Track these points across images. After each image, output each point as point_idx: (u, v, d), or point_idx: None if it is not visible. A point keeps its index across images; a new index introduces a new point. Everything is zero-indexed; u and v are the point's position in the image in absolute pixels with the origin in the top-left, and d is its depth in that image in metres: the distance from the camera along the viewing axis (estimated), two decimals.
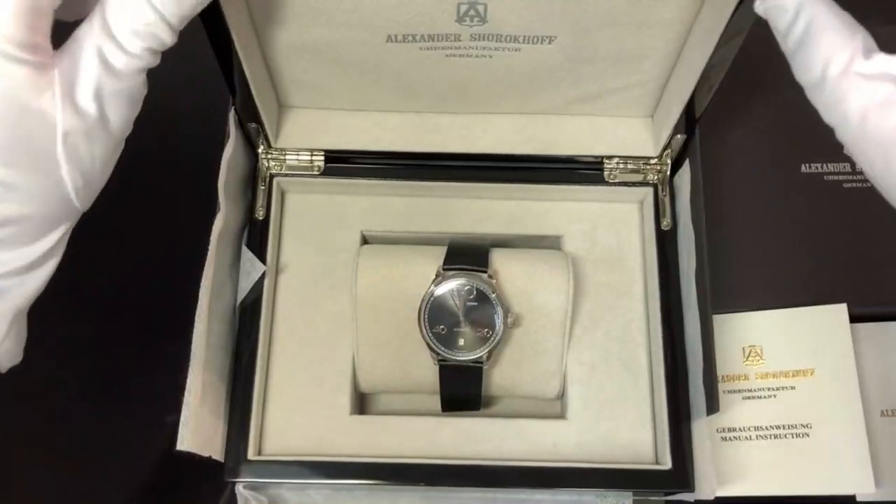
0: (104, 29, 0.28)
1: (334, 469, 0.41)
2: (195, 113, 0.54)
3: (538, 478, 0.41)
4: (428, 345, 0.41)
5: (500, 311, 0.41)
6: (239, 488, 0.42)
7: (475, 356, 0.41)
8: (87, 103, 0.28)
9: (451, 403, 0.43)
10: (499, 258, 0.44)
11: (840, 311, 0.47)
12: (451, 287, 0.41)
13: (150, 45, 0.29)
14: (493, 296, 0.41)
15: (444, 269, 0.42)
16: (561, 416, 0.44)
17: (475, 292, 0.41)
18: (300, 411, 0.43)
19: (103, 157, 0.29)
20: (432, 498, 0.43)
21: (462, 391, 0.42)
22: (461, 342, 0.41)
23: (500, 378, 0.44)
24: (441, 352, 0.41)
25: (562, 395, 0.45)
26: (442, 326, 0.41)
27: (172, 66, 0.57)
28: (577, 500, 0.43)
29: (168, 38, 0.29)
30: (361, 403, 0.46)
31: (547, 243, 0.48)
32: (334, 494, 0.43)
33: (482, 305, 0.41)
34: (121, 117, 0.30)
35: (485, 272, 0.42)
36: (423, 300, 0.41)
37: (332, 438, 0.43)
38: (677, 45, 0.39)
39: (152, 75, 0.56)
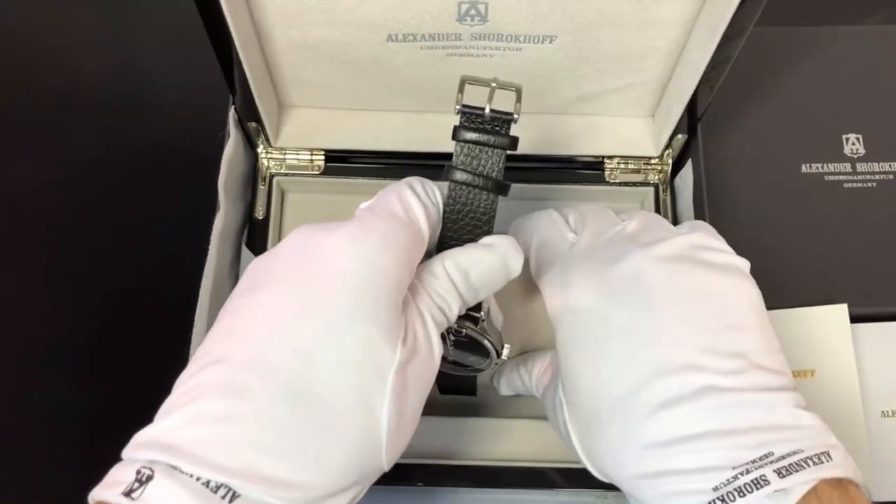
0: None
1: None
2: (195, 112, 0.54)
3: (538, 478, 0.41)
4: None
5: (491, 348, 0.36)
6: None
7: (465, 373, 0.38)
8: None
9: (447, 390, 0.42)
10: None
11: (840, 311, 0.47)
12: None
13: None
14: (486, 341, 0.35)
15: None
16: None
17: (462, 331, 0.35)
18: None
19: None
20: (432, 498, 0.43)
21: (456, 384, 0.41)
22: (450, 357, 0.37)
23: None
24: None
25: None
26: None
27: (173, 66, 0.57)
28: (578, 501, 0.43)
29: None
30: None
31: None
32: None
33: (473, 340, 0.35)
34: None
35: (477, 314, 0.35)
36: None
37: None
38: (678, 45, 0.39)
39: (152, 75, 0.56)
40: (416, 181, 0.32)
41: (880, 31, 0.55)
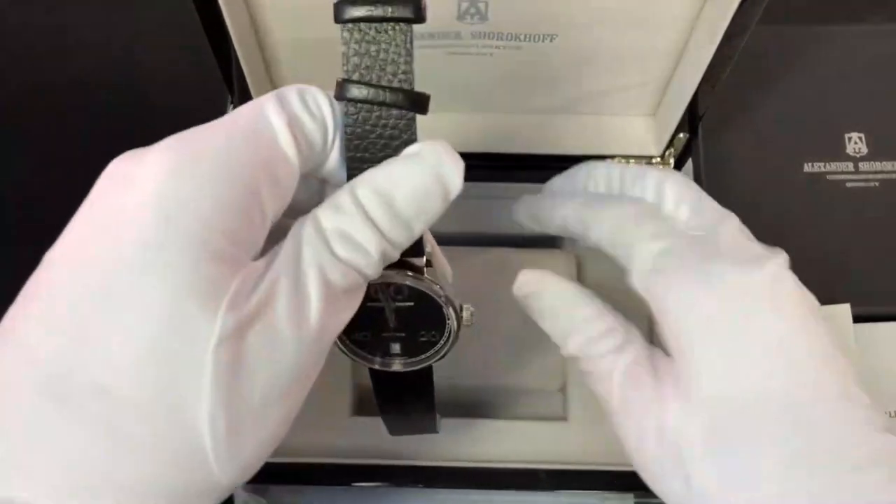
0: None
1: (333, 472, 0.41)
2: (195, 112, 0.54)
3: (538, 480, 0.41)
4: (348, 355, 0.28)
5: (447, 308, 0.27)
6: (237, 490, 0.41)
7: (420, 364, 0.28)
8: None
9: (395, 423, 0.33)
10: (501, 257, 0.44)
11: (843, 311, 0.47)
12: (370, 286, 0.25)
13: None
14: (435, 289, 0.26)
15: None
16: (562, 417, 0.44)
17: (406, 290, 0.26)
18: (300, 412, 0.43)
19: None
20: (432, 500, 0.43)
21: (407, 403, 0.31)
22: (396, 348, 0.28)
23: (500, 372, 0.44)
24: (367, 361, 0.28)
25: (563, 388, 0.44)
26: (364, 333, 0.27)
27: (171, 65, 0.57)
28: (578, 503, 0.43)
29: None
30: (361, 403, 0.46)
31: (547, 243, 0.47)
32: (333, 496, 0.43)
33: (420, 304, 0.26)
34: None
35: (420, 259, 0.25)
36: None
37: (332, 439, 0.42)
38: (680, 44, 0.39)
39: (152, 74, 0.56)
40: (290, 90, 0.23)
41: (881, 31, 0.54)
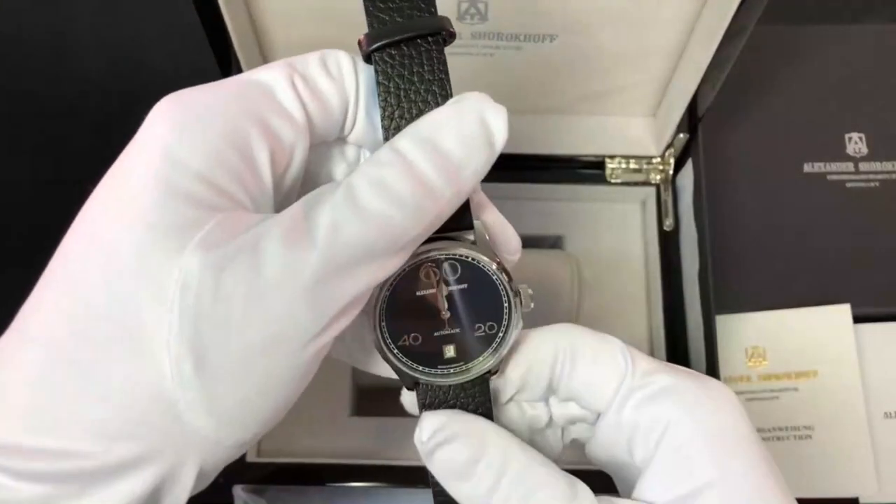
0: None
1: (333, 472, 0.41)
2: None
3: None
4: (394, 368, 0.24)
5: (506, 289, 0.24)
6: (237, 490, 0.41)
7: (477, 370, 0.24)
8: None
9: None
10: None
11: (843, 311, 0.47)
12: (418, 267, 0.23)
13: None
14: (493, 268, 0.23)
15: None
16: None
17: (459, 268, 0.23)
18: (299, 412, 0.43)
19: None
20: (431, 500, 0.43)
21: None
22: (450, 351, 0.24)
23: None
24: (418, 374, 0.24)
25: None
26: (414, 335, 0.24)
27: (173, 66, 0.57)
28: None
29: None
30: (361, 404, 0.46)
31: (548, 243, 0.47)
32: (333, 496, 0.43)
33: (475, 286, 0.24)
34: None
35: (469, 232, 0.23)
36: (374, 297, 0.23)
37: (332, 439, 0.42)
38: (680, 44, 0.39)
39: (152, 75, 0.56)
40: (311, 53, 0.22)
41: (881, 31, 0.54)
